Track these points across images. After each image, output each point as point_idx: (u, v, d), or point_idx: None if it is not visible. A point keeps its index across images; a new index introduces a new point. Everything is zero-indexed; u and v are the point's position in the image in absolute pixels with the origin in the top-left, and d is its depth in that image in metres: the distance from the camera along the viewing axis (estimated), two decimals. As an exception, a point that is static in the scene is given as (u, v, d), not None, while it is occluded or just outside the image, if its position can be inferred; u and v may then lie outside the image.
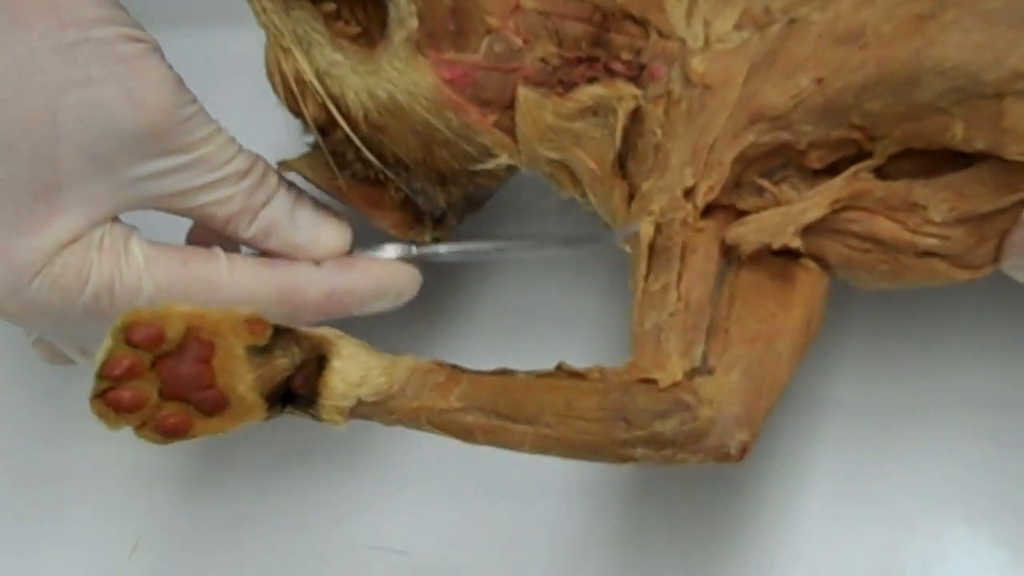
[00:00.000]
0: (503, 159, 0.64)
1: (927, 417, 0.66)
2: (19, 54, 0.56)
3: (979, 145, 0.57)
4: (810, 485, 0.65)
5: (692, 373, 0.57)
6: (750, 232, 0.60)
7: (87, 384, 0.64)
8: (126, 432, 0.58)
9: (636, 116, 0.63)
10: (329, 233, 0.64)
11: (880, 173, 0.60)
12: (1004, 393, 0.66)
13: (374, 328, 0.64)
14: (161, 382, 0.57)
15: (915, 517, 0.64)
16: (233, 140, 0.62)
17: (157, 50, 0.60)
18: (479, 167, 0.64)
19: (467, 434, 0.58)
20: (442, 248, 0.65)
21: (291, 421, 0.64)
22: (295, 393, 0.59)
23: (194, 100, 0.60)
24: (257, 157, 0.62)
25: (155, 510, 0.67)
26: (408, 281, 0.65)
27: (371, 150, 0.64)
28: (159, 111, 0.58)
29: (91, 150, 0.58)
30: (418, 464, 0.63)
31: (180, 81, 0.60)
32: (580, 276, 0.70)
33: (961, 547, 0.63)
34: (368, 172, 0.66)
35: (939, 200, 0.59)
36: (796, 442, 0.65)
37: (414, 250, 0.65)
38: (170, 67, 0.60)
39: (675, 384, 0.56)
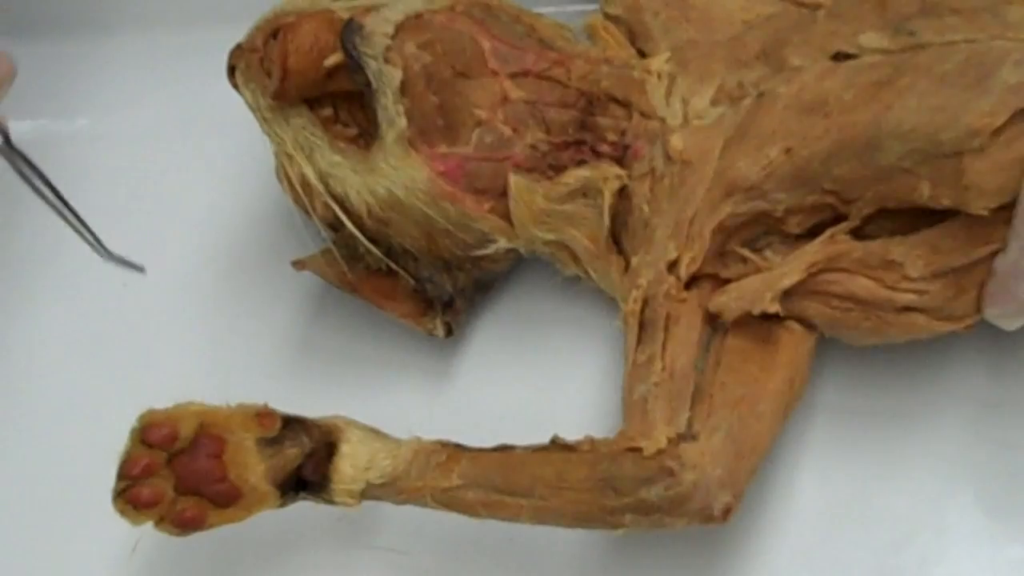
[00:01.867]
0: (502, 243, 0.67)
1: (927, 417, 0.66)
2: None
3: (946, 202, 0.59)
4: (810, 485, 0.66)
5: (677, 439, 0.59)
6: (731, 300, 0.62)
7: (86, 382, 0.70)
8: (122, 435, 0.61)
9: (624, 194, 0.65)
10: None
11: (859, 234, 0.62)
12: (1004, 394, 0.67)
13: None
14: (176, 478, 0.60)
15: (915, 517, 0.64)
16: None
17: None
18: (480, 252, 0.67)
19: (469, 509, 0.61)
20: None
21: (292, 406, 0.67)
22: (306, 480, 0.62)
23: None
24: None
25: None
26: None
27: (378, 243, 0.67)
28: None
29: None
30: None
31: None
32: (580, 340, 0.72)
33: (961, 547, 0.64)
34: (380, 264, 0.69)
35: (915, 256, 0.61)
36: (797, 443, 0.66)
37: None
38: None
39: (660, 451, 0.58)
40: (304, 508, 0.64)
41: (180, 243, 0.75)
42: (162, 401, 0.68)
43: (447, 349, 0.71)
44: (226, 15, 0.77)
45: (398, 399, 0.69)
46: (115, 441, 0.62)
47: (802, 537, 0.65)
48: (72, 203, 0.75)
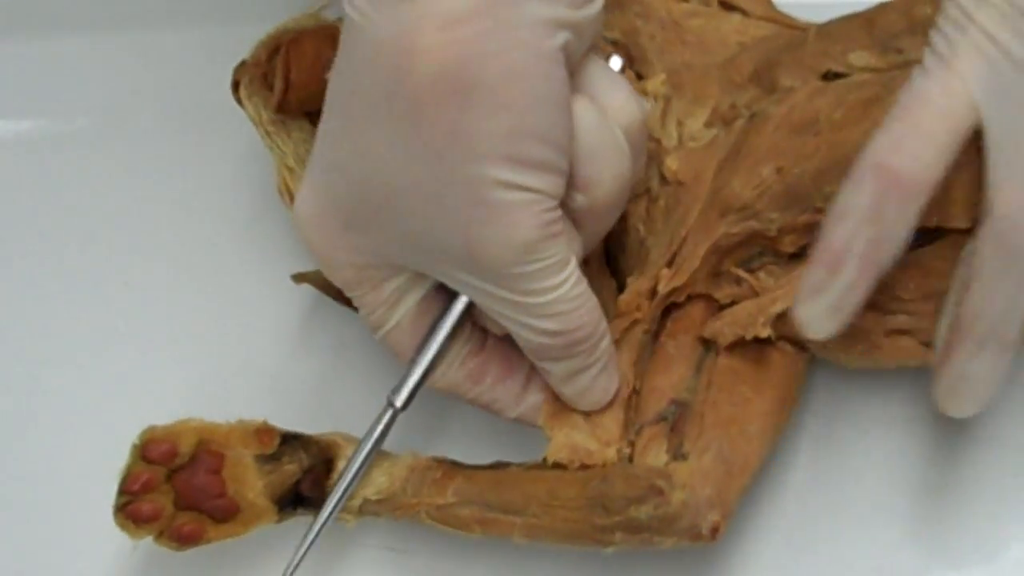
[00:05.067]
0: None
1: (927, 417, 0.67)
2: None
3: (933, 219, 0.59)
4: (810, 485, 0.66)
5: (669, 459, 0.60)
6: (725, 326, 0.62)
7: (84, 381, 0.70)
8: (125, 430, 0.62)
9: (621, 215, 0.66)
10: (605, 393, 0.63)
11: None
12: (1004, 393, 0.65)
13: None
14: (176, 493, 0.62)
15: (915, 517, 0.65)
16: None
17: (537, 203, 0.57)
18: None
19: (464, 526, 0.62)
20: None
21: (290, 413, 0.67)
22: (305, 496, 0.63)
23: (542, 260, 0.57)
24: (597, 323, 0.60)
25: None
26: None
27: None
28: (498, 260, 0.57)
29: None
30: (414, 443, 0.66)
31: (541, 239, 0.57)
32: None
33: (961, 547, 0.64)
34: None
35: (906, 278, 0.61)
36: (796, 442, 0.67)
37: None
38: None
39: (650, 469, 0.59)
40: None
41: (180, 244, 0.76)
42: (159, 401, 0.70)
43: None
44: (227, 15, 0.79)
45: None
46: (115, 439, 0.63)
47: (802, 537, 0.65)
48: (72, 204, 0.76)
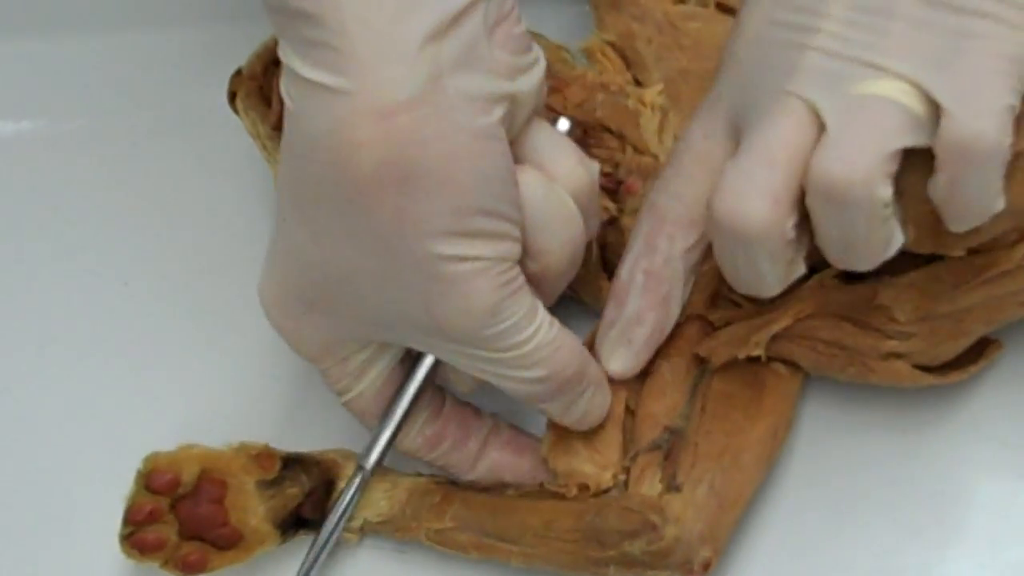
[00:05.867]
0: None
1: (928, 417, 0.67)
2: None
3: (927, 246, 0.59)
4: (810, 485, 0.66)
5: (664, 490, 0.61)
6: (719, 345, 0.63)
7: (82, 381, 0.71)
8: (123, 435, 0.65)
9: (617, 227, 0.66)
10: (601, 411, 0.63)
11: (848, 275, 0.62)
12: (1005, 393, 0.67)
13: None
14: (180, 523, 0.63)
15: (916, 519, 0.65)
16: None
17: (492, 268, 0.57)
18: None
19: (462, 549, 0.63)
20: None
21: (288, 415, 0.70)
22: (306, 519, 0.64)
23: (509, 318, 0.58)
24: (581, 355, 0.61)
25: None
26: None
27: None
28: (466, 328, 0.58)
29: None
30: (415, 463, 0.66)
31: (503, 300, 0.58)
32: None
33: (961, 548, 0.65)
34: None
35: (903, 300, 0.61)
36: (797, 443, 0.67)
37: None
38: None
39: (644, 502, 0.60)
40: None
41: (180, 244, 0.76)
42: (157, 402, 0.71)
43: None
44: (227, 15, 0.78)
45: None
46: (113, 440, 0.65)
47: (802, 537, 0.66)
48: (72, 204, 0.76)
